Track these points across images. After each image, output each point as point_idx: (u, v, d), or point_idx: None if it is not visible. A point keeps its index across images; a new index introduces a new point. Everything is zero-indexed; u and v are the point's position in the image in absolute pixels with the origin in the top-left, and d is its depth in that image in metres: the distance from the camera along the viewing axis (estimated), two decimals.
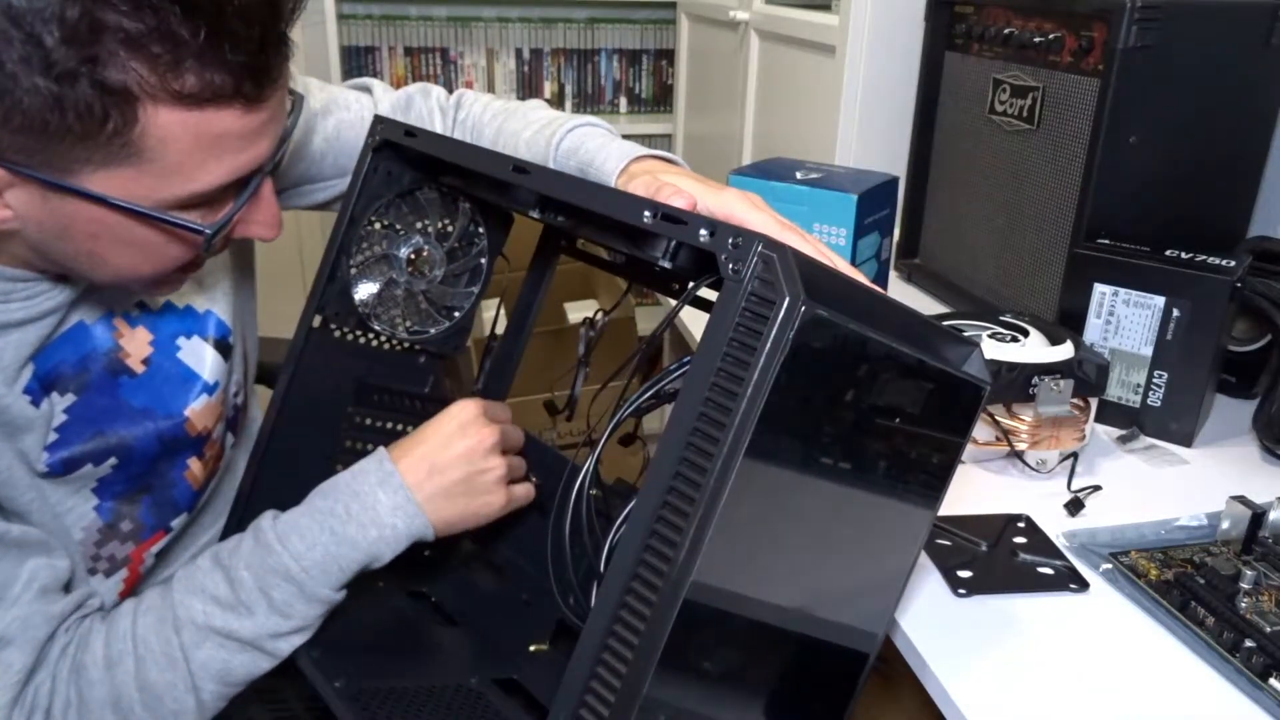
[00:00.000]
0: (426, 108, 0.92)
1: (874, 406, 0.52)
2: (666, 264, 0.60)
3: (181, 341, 0.74)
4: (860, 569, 0.57)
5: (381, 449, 0.71)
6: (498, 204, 0.77)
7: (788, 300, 0.44)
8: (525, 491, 0.75)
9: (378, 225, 0.77)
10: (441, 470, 0.69)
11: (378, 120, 0.73)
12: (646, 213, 0.52)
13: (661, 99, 2.68)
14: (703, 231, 0.49)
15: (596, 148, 0.77)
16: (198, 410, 0.75)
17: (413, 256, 0.78)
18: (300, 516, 0.68)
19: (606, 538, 0.56)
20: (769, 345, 0.44)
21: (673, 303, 0.76)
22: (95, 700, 0.65)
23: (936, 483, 0.58)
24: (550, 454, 0.79)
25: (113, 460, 0.70)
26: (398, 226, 0.78)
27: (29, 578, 0.64)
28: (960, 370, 0.56)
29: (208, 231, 0.59)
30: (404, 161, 0.75)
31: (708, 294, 0.75)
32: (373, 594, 0.80)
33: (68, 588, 0.68)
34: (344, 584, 0.68)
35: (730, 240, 0.47)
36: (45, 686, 0.64)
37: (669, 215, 0.51)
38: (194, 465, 0.76)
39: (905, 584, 0.60)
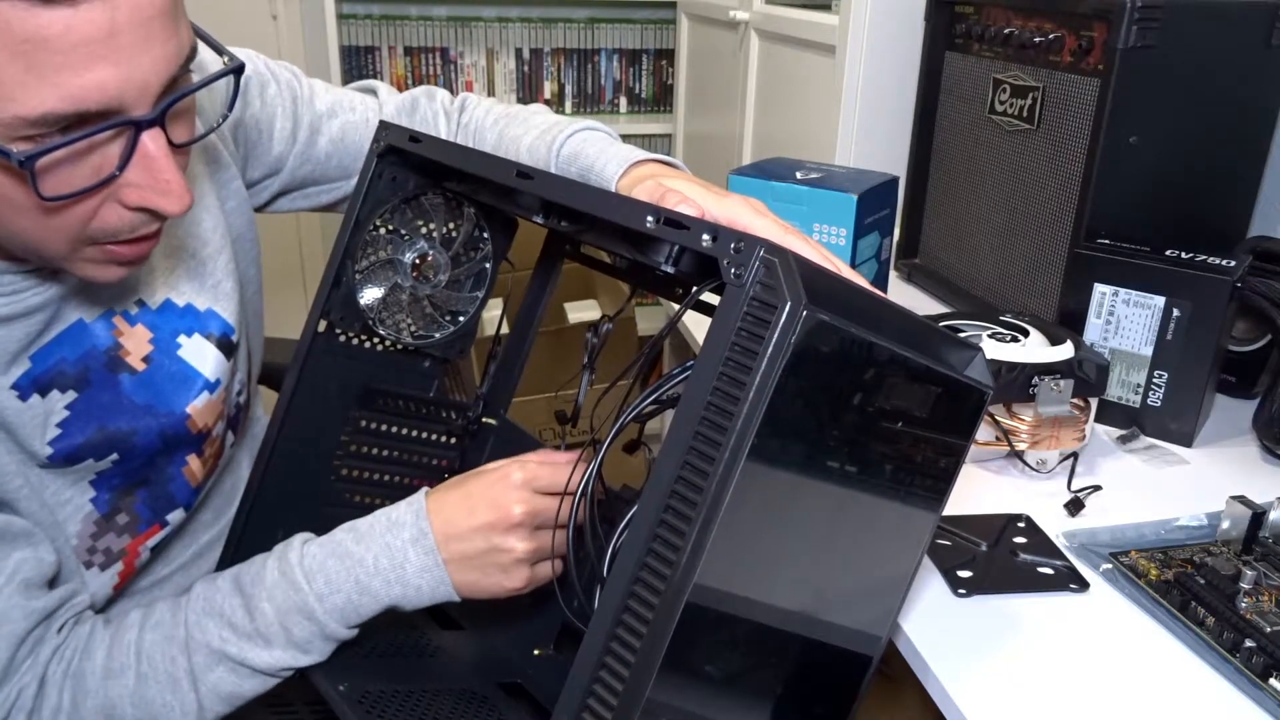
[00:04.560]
0: (431, 111, 0.92)
1: (877, 410, 0.52)
2: (669, 269, 0.60)
3: (182, 339, 0.74)
4: (864, 572, 0.57)
5: (422, 495, 0.69)
6: (502, 209, 0.77)
7: (789, 305, 0.45)
8: (547, 574, 0.69)
9: (383, 230, 0.77)
10: (460, 537, 0.67)
11: (383, 125, 0.73)
12: (649, 218, 0.52)
13: (661, 99, 2.68)
14: (705, 236, 0.49)
15: (596, 153, 0.77)
16: (199, 408, 0.75)
17: (417, 261, 0.79)
18: (328, 557, 0.67)
19: (610, 542, 0.56)
20: (770, 350, 0.45)
21: (674, 305, 0.76)
22: (88, 710, 0.65)
23: (940, 486, 0.58)
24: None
25: (114, 455, 0.70)
26: (402, 231, 0.78)
27: (12, 570, 0.64)
28: (963, 374, 0.56)
29: (13, 153, 0.51)
30: (409, 166, 0.75)
31: (709, 298, 0.75)
32: None
33: (53, 582, 0.68)
34: (360, 624, 0.68)
35: (732, 245, 0.47)
36: (31, 689, 0.64)
37: (671, 220, 0.51)
38: (193, 462, 0.76)
39: (909, 587, 0.60)
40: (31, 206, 0.55)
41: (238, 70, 0.62)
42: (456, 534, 0.67)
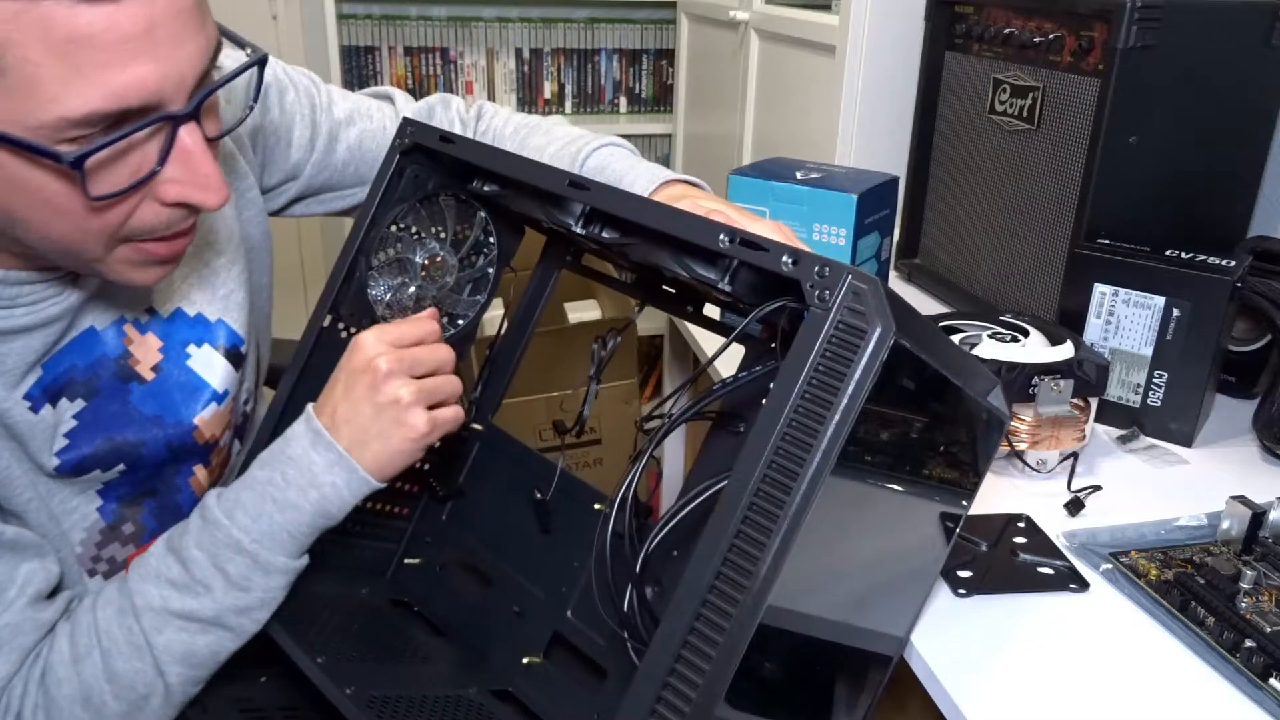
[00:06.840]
0: (447, 119, 0.93)
1: (930, 428, 0.55)
2: (726, 288, 0.61)
3: (192, 350, 0.75)
4: (900, 575, 0.60)
5: (309, 407, 0.69)
6: (534, 217, 0.77)
7: (880, 330, 0.46)
8: (451, 415, 0.70)
9: (394, 228, 0.77)
10: (348, 418, 0.67)
11: (407, 122, 0.72)
12: (722, 236, 0.53)
13: (661, 99, 2.68)
14: (786, 258, 0.50)
15: (624, 169, 0.78)
16: (207, 419, 0.75)
17: (427, 262, 0.79)
18: (241, 491, 0.68)
19: (642, 547, 0.57)
20: (859, 372, 0.46)
21: (678, 318, 0.77)
22: (64, 698, 0.65)
23: (968, 495, 0.63)
24: (569, 479, 0.79)
25: (121, 466, 0.70)
26: (415, 231, 0.78)
27: (24, 582, 0.64)
28: (985, 400, 0.60)
29: (63, 154, 0.52)
30: (429, 167, 0.75)
31: (710, 310, 0.76)
32: (359, 603, 0.80)
33: (56, 590, 0.68)
34: (302, 550, 0.68)
35: (816, 269, 0.48)
36: (18, 690, 0.65)
37: (746, 241, 0.52)
38: (199, 473, 0.77)
39: (931, 587, 0.62)
40: (75, 208, 0.55)
41: (261, 62, 0.62)
42: (344, 416, 0.67)
